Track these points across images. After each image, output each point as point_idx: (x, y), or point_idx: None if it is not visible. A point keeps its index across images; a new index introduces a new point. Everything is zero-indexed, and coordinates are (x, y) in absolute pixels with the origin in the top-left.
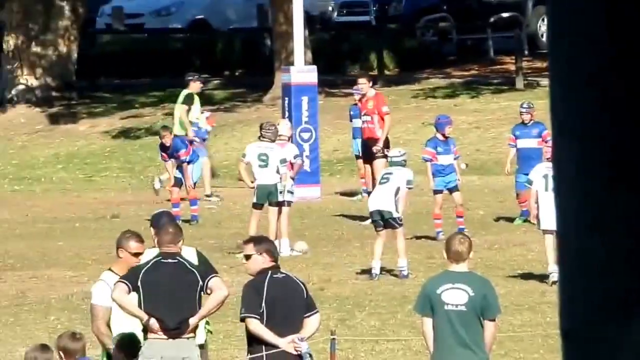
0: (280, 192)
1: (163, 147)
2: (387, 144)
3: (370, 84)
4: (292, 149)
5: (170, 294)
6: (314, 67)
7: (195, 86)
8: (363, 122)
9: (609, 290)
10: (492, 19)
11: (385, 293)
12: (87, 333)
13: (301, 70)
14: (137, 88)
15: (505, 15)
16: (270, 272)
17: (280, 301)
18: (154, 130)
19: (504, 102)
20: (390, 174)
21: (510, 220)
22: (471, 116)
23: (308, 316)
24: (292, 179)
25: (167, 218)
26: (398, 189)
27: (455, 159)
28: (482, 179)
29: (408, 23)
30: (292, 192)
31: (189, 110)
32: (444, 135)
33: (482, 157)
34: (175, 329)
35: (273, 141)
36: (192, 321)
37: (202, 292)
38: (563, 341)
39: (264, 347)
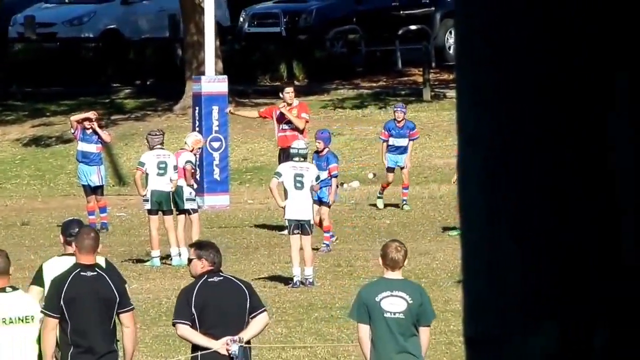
0: (178, 197)
1: None
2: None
3: (294, 93)
4: (186, 156)
5: (92, 312)
6: (225, 77)
7: None
8: (282, 129)
9: (513, 297)
10: (400, 31)
11: (292, 301)
12: None
13: (212, 80)
14: (49, 97)
15: (413, 27)
16: (205, 276)
17: (213, 304)
18: (65, 138)
19: (411, 113)
20: (302, 176)
21: (415, 230)
22: (379, 127)
23: (254, 316)
24: (190, 186)
25: (79, 226)
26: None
27: (333, 177)
28: (389, 189)
29: (318, 34)
30: (193, 200)
31: None
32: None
33: None
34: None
35: (162, 147)
36: None
37: (117, 310)
38: (467, 348)
39: (200, 349)
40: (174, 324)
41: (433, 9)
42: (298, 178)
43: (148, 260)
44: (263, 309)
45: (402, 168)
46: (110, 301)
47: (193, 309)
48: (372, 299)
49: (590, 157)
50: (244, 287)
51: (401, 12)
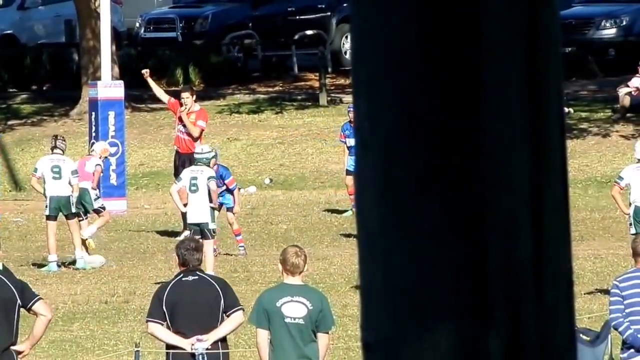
0: (73, 204)
1: None
2: (182, 160)
3: (194, 97)
4: (95, 161)
5: None
6: (121, 82)
7: None
8: (179, 130)
9: (411, 302)
10: (296, 36)
11: None
12: None
13: (108, 85)
14: None
15: (309, 32)
16: (181, 275)
17: (185, 303)
18: None
19: (308, 118)
20: (195, 179)
21: (312, 235)
22: (275, 132)
23: (229, 314)
24: (94, 189)
25: None
26: (209, 192)
27: (232, 189)
28: (286, 194)
29: (214, 39)
30: (98, 198)
31: None
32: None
33: (285, 172)
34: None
35: (63, 153)
36: (20, 348)
37: (20, 310)
38: (364, 353)
39: (171, 348)
40: (146, 322)
41: (329, 13)
42: (193, 181)
43: (45, 266)
44: (239, 307)
45: None
46: (10, 302)
47: (164, 308)
48: (273, 304)
49: (482, 158)
50: (217, 286)
51: (297, 17)
